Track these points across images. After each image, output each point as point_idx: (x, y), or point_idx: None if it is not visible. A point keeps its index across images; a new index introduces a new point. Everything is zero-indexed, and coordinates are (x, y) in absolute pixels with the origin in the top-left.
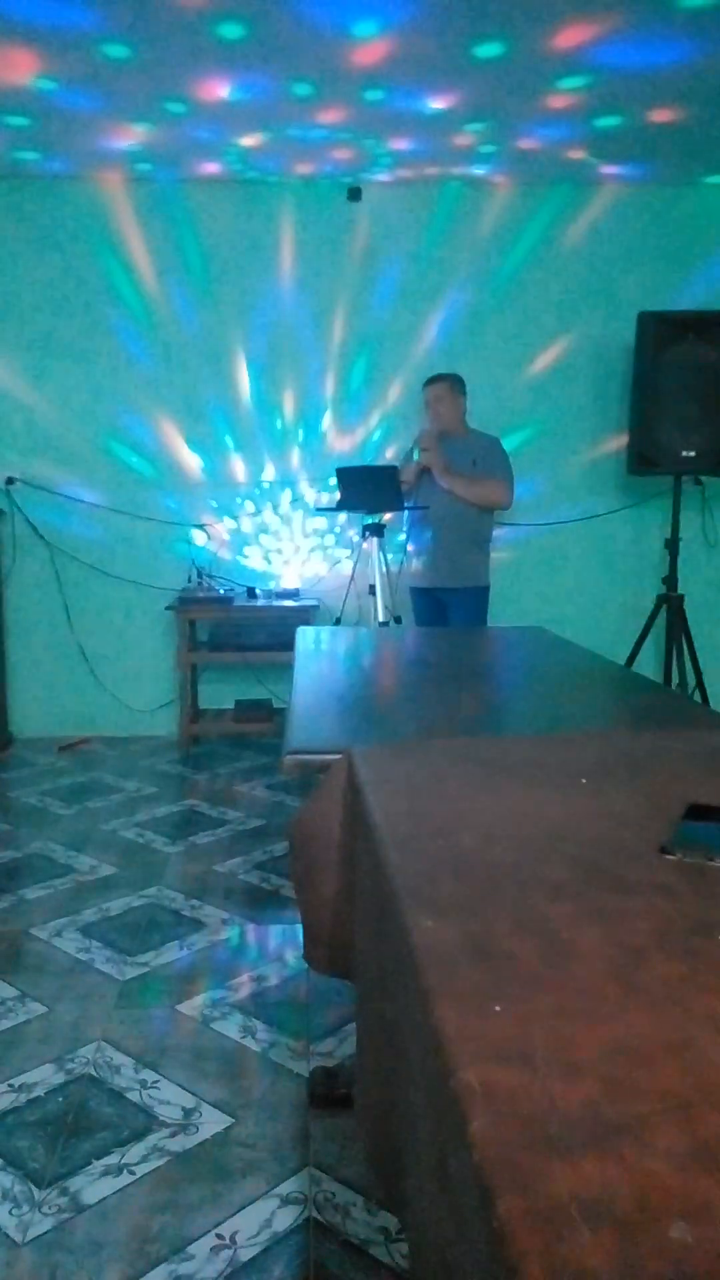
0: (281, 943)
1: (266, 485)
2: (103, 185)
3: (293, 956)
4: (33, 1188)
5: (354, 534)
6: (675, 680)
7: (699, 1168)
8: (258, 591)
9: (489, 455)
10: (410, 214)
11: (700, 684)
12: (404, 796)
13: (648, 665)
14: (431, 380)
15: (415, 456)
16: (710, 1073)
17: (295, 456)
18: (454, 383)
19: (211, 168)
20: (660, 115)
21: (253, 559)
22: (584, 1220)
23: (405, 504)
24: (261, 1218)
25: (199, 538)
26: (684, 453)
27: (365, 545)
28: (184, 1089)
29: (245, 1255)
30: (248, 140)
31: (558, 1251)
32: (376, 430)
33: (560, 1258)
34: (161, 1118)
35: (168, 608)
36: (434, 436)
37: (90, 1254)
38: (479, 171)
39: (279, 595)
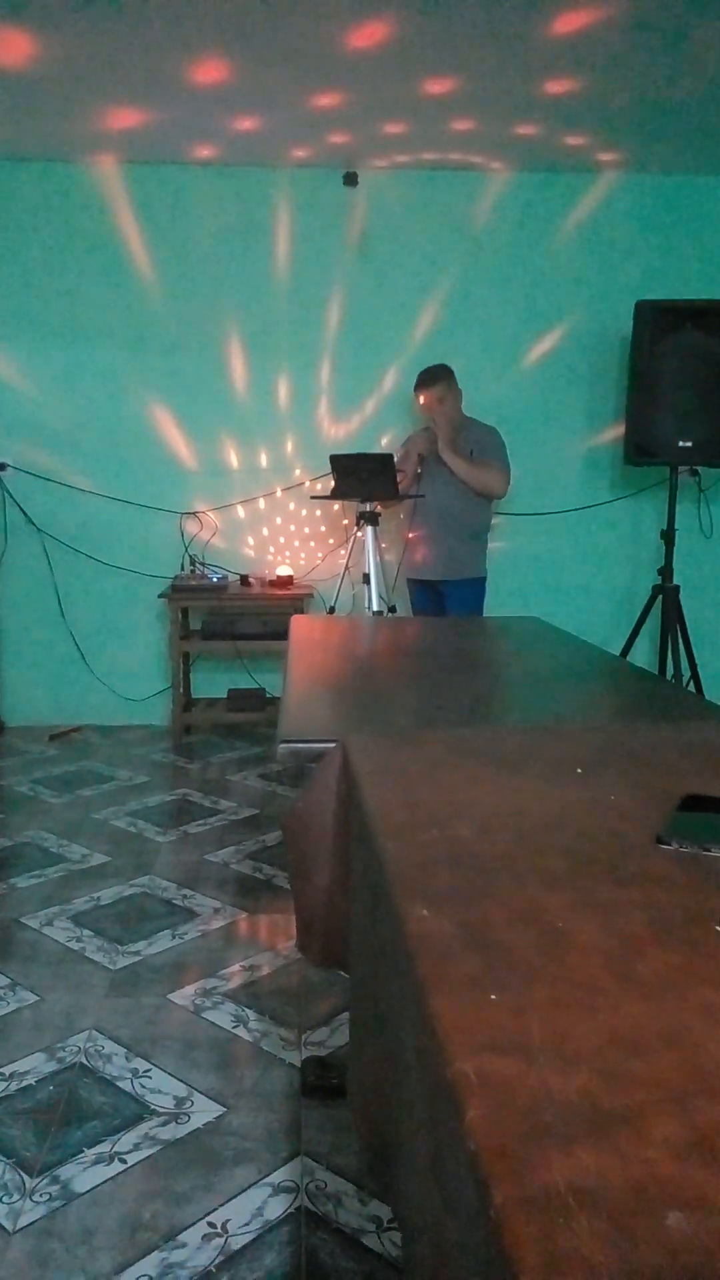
0: (274, 933)
1: (260, 472)
2: (96, 168)
3: (285, 946)
4: (24, 1176)
5: (348, 522)
6: (670, 671)
7: (695, 1158)
8: (251, 579)
9: (487, 445)
10: (407, 200)
11: (695, 675)
12: (398, 786)
13: (642, 656)
14: (423, 383)
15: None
16: (706, 1063)
17: (290, 443)
18: (447, 379)
19: (206, 151)
20: (658, 103)
21: (246, 547)
22: (580, 1209)
23: (400, 493)
24: (253, 1206)
25: (192, 525)
26: (680, 443)
27: (360, 534)
28: (176, 1078)
29: (237, 1244)
30: (243, 124)
31: (554, 1240)
32: (372, 418)
33: (556, 1246)
34: (153, 1106)
35: (160, 595)
36: (440, 432)
37: (81, 1242)
38: (476, 158)
39: (273, 583)
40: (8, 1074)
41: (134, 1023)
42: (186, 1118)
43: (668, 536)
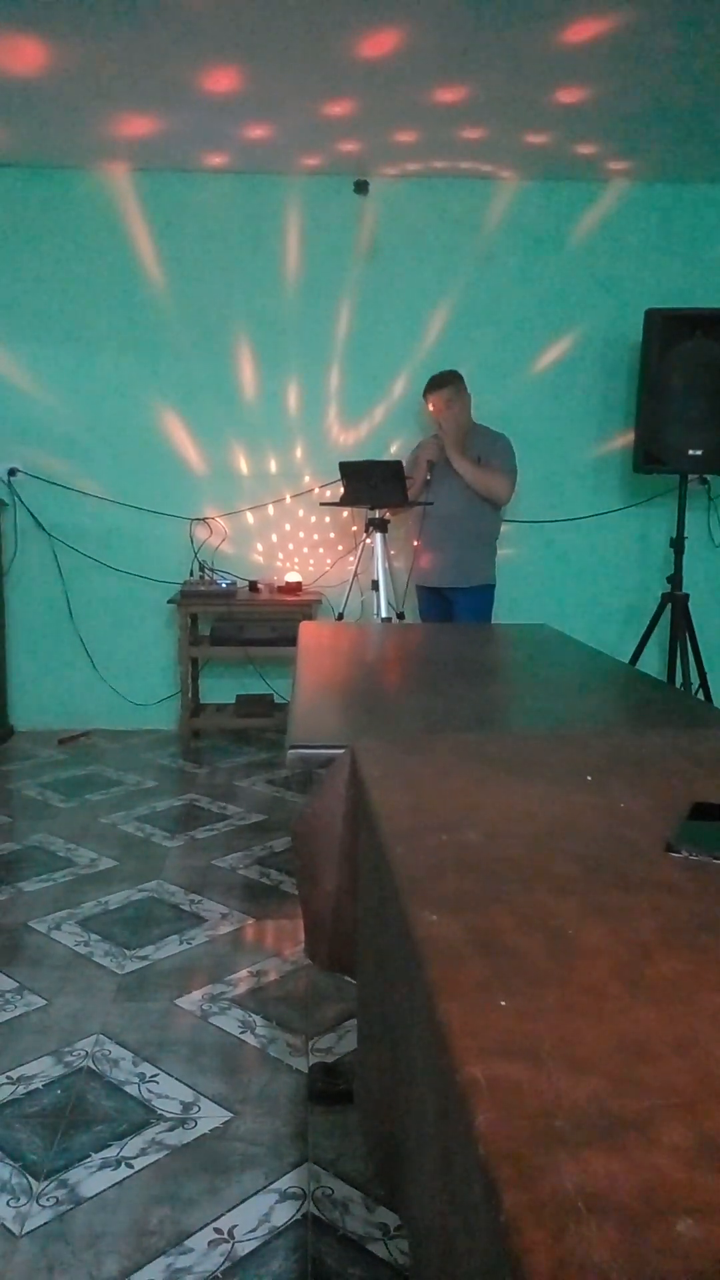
0: (282, 938)
1: (270, 478)
2: (108, 176)
3: (293, 952)
4: (31, 1180)
5: (358, 529)
6: (679, 679)
7: (705, 1163)
8: (260, 585)
9: (494, 450)
10: (417, 208)
11: (704, 683)
12: (407, 792)
13: (651, 664)
14: (432, 387)
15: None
16: (716, 1069)
17: (299, 450)
18: (456, 384)
19: (217, 159)
20: (669, 111)
21: (255, 553)
22: (590, 1215)
23: (410, 499)
24: (260, 1212)
25: (202, 531)
26: (690, 451)
27: (368, 540)
28: (183, 1083)
29: (243, 1250)
30: (254, 132)
31: (563, 1246)
32: (381, 424)
33: (566, 1251)
34: (160, 1111)
35: (169, 601)
36: (446, 435)
37: (88, 1246)
38: (486, 166)
39: (282, 589)
40: (15, 1078)
41: (141, 1027)
42: (193, 1123)
43: (677, 545)
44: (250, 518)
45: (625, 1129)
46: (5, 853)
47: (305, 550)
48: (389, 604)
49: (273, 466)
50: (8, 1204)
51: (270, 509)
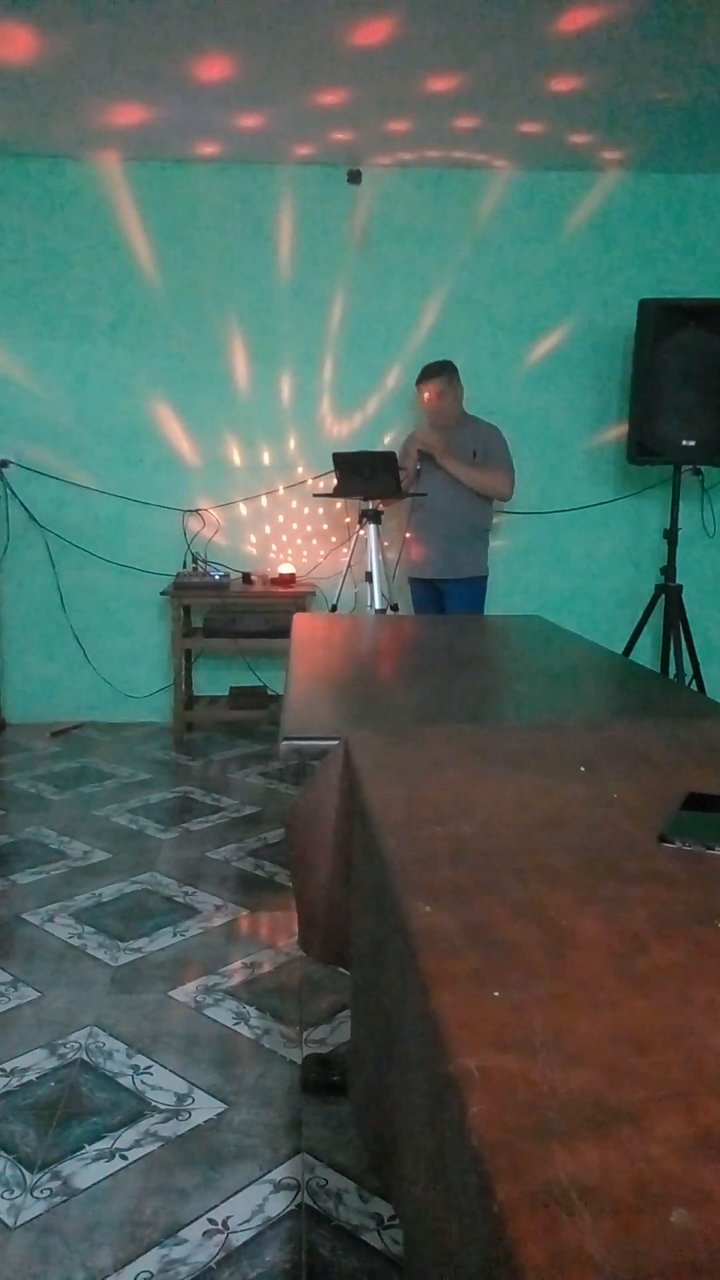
0: (275, 930)
1: (263, 470)
2: (100, 165)
3: (287, 943)
4: (25, 1172)
5: (351, 520)
6: (672, 670)
7: (699, 1155)
8: (254, 577)
9: (490, 445)
10: (410, 198)
11: (697, 674)
12: (401, 783)
13: (645, 655)
14: (426, 376)
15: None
16: (710, 1060)
17: (292, 441)
18: (450, 374)
19: (209, 149)
20: (663, 101)
21: (249, 544)
22: (584, 1206)
23: (403, 491)
24: (254, 1203)
25: (195, 522)
26: (684, 442)
27: (362, 532)
28: (177, 1075)
29: (237, 1240)
30: (247, 121)
31: (557, 1237)
32: (374, 415)
33: (560, 1242)
34: (154, 1103)
35: (162, 593)
36: (433, 433)
37: (82, 1238)
38: (480, 155)
39: (275, 581)
40: (9, 1070)
41: (135, 1019)
42: (187, 1114)
43: (670, 536)
44: (243, 509)
45: (619, 1120)
46: None
47: (299, 542)
48: (383, 596)
49: (266, 458)
50: (2, 1196)
51: (263, 500)
